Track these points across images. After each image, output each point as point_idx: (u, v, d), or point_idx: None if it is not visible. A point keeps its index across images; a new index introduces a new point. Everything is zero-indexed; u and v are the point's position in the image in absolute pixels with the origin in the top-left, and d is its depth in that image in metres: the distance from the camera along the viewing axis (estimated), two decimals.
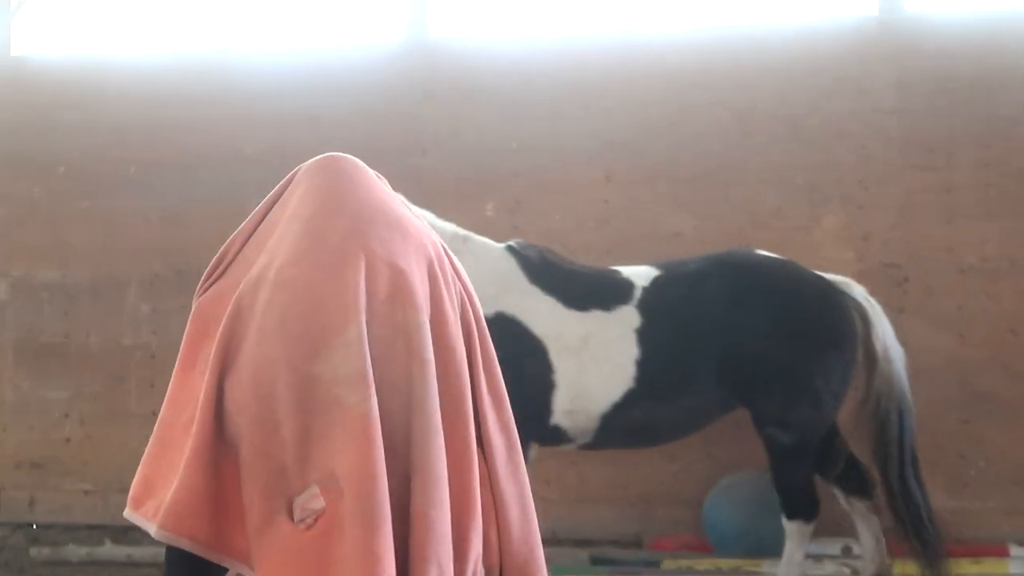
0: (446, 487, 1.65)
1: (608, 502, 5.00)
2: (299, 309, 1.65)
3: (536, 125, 5.54)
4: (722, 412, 4.34)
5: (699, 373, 4.11)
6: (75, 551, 5.43)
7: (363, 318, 1.63)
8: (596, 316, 4.14)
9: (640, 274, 4.29)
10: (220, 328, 1.70)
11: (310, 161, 1.92)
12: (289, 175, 1.91)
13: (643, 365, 4.08)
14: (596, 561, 5.11)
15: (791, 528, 4.15)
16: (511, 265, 4.23)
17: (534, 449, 4.15)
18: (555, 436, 4.19)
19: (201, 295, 1.88)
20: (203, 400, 1.67)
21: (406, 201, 1.91)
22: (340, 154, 1.93)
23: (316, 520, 1.59)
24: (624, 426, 4.16)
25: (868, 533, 4.22)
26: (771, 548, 4.57)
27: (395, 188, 5.09)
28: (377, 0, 6.12)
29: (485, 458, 1.78)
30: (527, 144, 5.53)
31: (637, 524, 4.37)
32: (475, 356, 1.81)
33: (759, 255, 4.38)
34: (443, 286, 1.78)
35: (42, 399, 5.94)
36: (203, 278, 1.86)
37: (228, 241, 1.89)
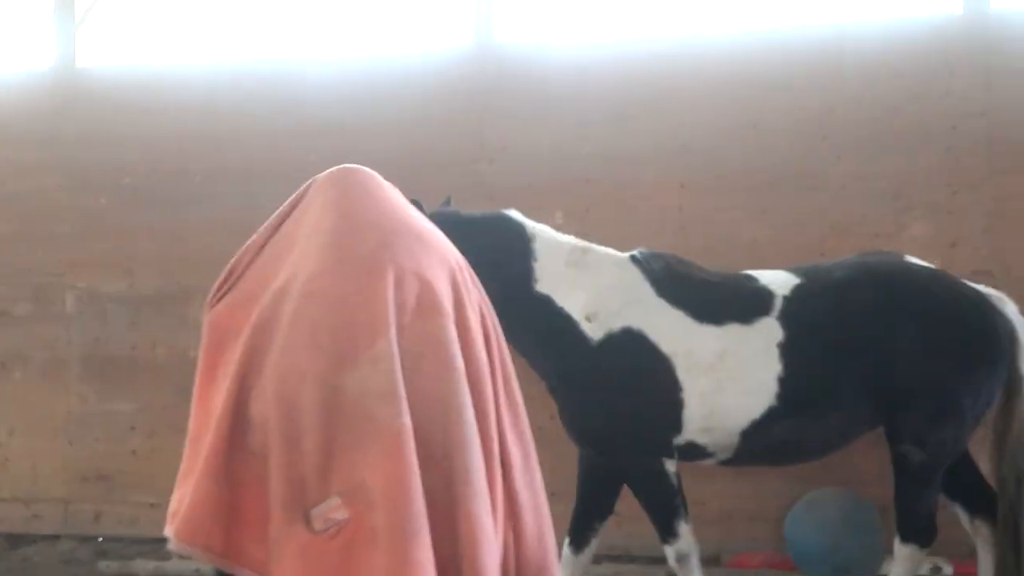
0: (487, 492, 1.67)
1: None
2: (329, 321, 1.66)
3: (606, 130, 5.42)
4: (866, 429, 4.08)
5: (845, 389, 3.86)
6: (143, 565, 5.39)
7: (393, 332, 1.64)
8: (733, 330, 3.90)
9: (779, 282, 4.00)
10: (242, 340, 1.72)
11: (323, 174, 1.95)
12: (302, 188, 1.94)
13: (786, 382, 3.83)
14: None
15: (904, 552, 3.87)
16: (635, 277, 4.01)
17: (670, 463, 3.95)
18: (692, 452, 3.98)
19: (212, 307, 1.90)
20: (221, 410, 1.69)
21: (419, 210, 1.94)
22: (354, 166, 1.96)
23: (340, 530, 1.60)
24: (766, 444, 3.92)
25: (990, 556, 3.97)
26: (856, 568, 4.41)
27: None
28: (441, 6, 6.03)
29: (503, 466, 1.80)
30: (597, 150, 5.41)
31: (716, 541, 4.22)
32: (494, 364, 1.84)
33: (909, 263, 4.07)
34: (465, 295, 1.80)
35: (108, 412, 5.92)
36: (213, 291, 1.87)
37: (238, 254, 1.90)
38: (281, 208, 1.93)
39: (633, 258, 4.08)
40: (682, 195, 5.30)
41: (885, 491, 4.57)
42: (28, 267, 5.99)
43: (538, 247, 4.01)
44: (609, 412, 3.92)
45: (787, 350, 3.84)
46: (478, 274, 4.01)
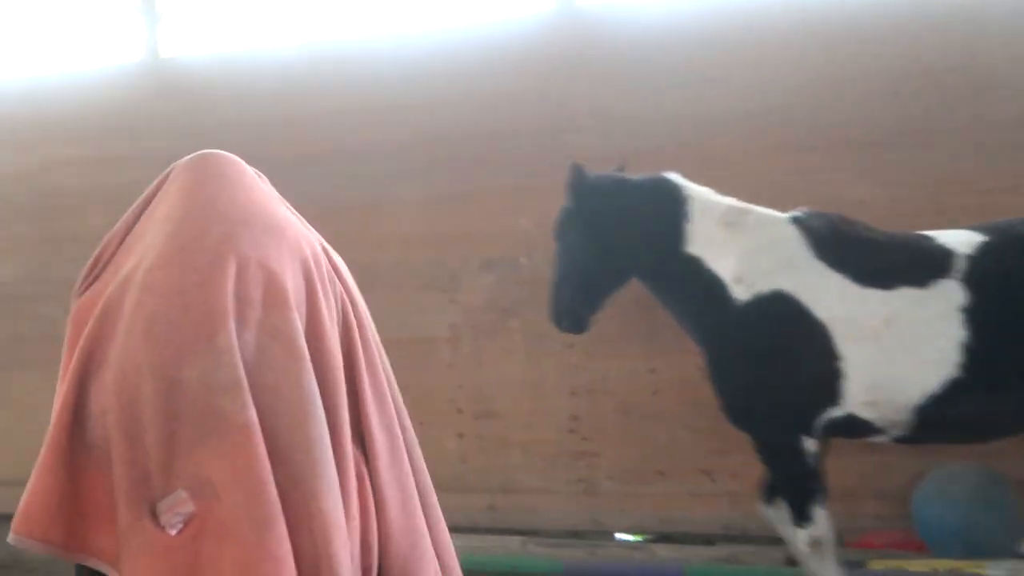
0: (338, 486, 1.62)
1: None
2: (166, 313, 1.60)
3: (695, 93, 5.17)
4: None
5: None
6: None
7: (232, 324, 1.59)
8: (905, 294, 3.56)
9: (961, 240, 3.63)
10: (86, 329, 1.65)
11: (184, 159, 1.84)
12: (163, 174, 1.84)
13: (972, 350, 3.46)
14: (792, 561, 4.77)
15: None
16: (792, 237, 3.79)
17: (810, 442, 3.73)
18: (854, 427, 3.71)
19: (78, 297, 1.78)
20: (62, 401, 1.62)
21: (284, 200, 1.89)
22: (215, 152, 1.88)
23: (186, 524, 1.56)
24: (947, 420, 3.57)
25: None
26: (991, 547, 4.15)
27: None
28: None
29: (367, 459, 1.74)
30: (687, 113, 5.17)
31: (838, 520, 4.00)
32: (356, 355, 1.78)
33: None
34: (319, 288, 1.73)
35: None
36: (79, 279, 1.77)
37: (104, 241, 1.81)
38: (144, 194, 1.84)
39: (794, 218, 3.86)
40: (780, 157, 5.01)
41: (1021, 464, 4.32)
42: None
43: (693, 208, 3.94)
44: (749, 379, 3.78)
45: (973, 315, 3.47)
46: (631, 236, 4.00)
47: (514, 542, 5.24)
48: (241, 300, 1.63)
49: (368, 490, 1.74)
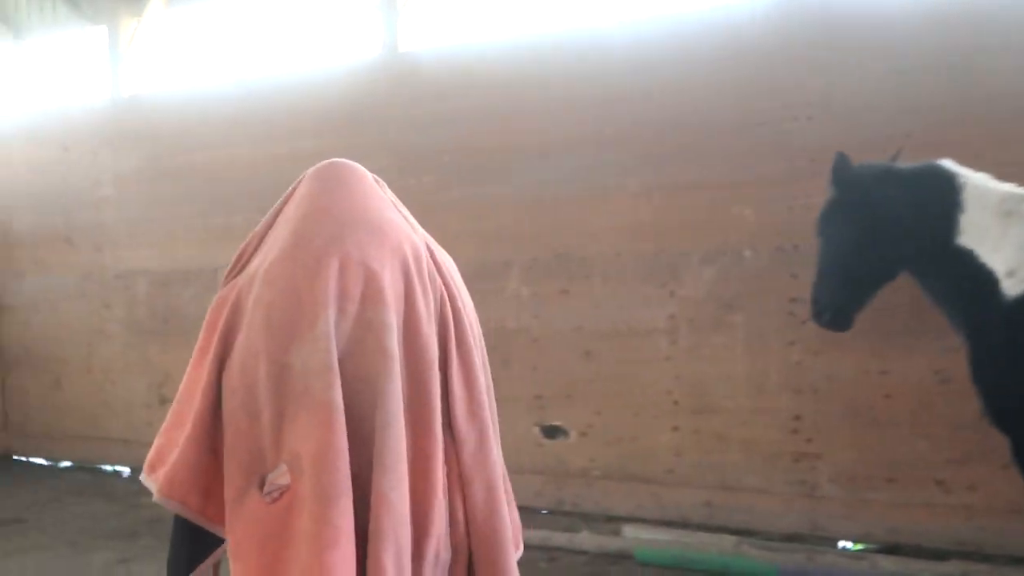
0: (404, 470, 1.78)
1: None
2: (280, 305, 1.83)
3: (932, 79, 4.77)
4: None
5: None
6: None
7: (331, 314, 1.79)
8: None
9: None
10: (222, 318, 1.90)
11: (313, 167, 2.06)
12: (298, 179, 2.05)
13: None
14: None
15: None
16: None
17: None
18: None
19: (222, 288, 1.99)
20: (204, 384, 1.87)
21: (397, 203, 2.08)
22: (339, 160, 2.08)
23: (281, 495, 1.79)
24: None
25: None
26: None
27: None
28: None
29: (456, 448, 1.89)
30: (920, 102, 4.78)
31: None
32: (449, 352, 1.91)
33: None
34: (417, 285, 1.88)
35: None
36: (226, 272, 2.00)
37: (247, 238, 2.03)
38: (283, 196, 2.08)
39: None
40: None
41: None
42: None
43: (967, 197, 3.70)
44: (1011, 377, 3.55)
45: None
46: (900, 228, 3.80)
47: (728, 541, 5.10)
48: (342, 294, 1.83)
49: (455, 473, 1.91)
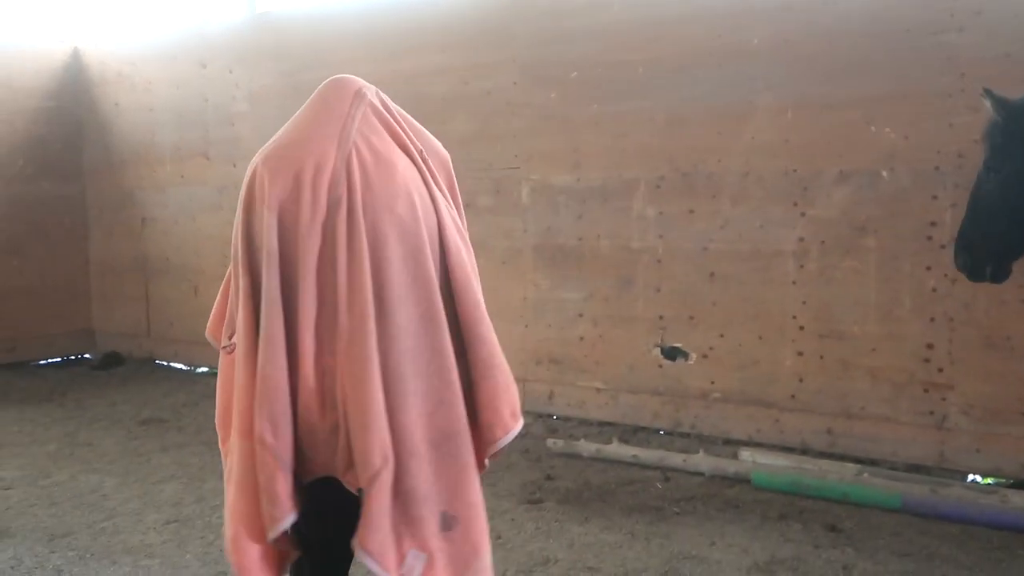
0: (276, 349, 2.39)
1: None
2: (248, 188, 2.45)
3: None
4: None
5: None
6: (586, 446, 5.65)
7: (271, 204, 2.37)
8: None
9: None
10: (243, 192, 2.48)
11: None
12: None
13: None
14: None
15: None
16: None
17: None
18: None
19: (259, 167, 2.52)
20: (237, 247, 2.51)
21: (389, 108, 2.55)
22: (334, 79, 2.59)
23: (233, 350, 2.50)
24: None
25: None
26: None
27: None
28: None
29: (334, 339, 2.41)
30: None
31: None
32: (338, 248, 2.40)
33: None
34: (306, 191, 2.38)
35: (558, 299, 6.23)
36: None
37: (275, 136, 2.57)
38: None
39: None
40: None
41: None
42: (489, 161, 6.40)
43: None
44: None
45: None
46: None
47: (850, 470, 5.00)
48: (257, 196, 2.42)
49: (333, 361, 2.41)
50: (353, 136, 2.44)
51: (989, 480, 4.90)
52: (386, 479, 2.35)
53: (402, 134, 2.55)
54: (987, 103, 3.65)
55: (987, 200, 3.73)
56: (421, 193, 2.46)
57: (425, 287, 2.43)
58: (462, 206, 2.66)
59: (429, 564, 2.42)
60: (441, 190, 2.56)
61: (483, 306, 2.52)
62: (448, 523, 2.44)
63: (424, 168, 2.53)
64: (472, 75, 6.44)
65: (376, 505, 2.35)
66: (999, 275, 3.84)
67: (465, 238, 2.60)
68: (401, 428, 2.38)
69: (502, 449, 2.54)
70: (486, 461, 2.59)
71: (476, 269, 2.60)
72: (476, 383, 2.50)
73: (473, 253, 2.60)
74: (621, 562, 4.23)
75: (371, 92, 2.55)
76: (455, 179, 2.66)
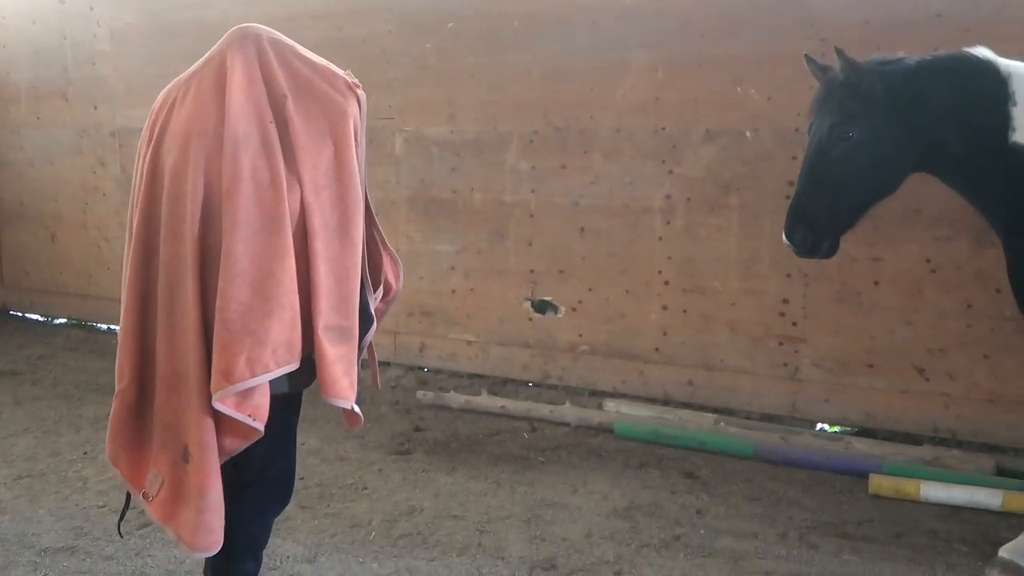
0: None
1: None
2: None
3: None
4: None
5: None
6: (455, 398, 5.70)
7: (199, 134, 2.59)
8: None
9: None
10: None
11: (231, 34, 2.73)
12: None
13: None
14: (1004, 472, 4.45)
15: None
16: None
17: None
18: None
19: None
20: None
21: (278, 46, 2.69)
22: (235, 30, 2.71)
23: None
24: None
25: None
26: None
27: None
28: None
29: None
30: None
31: None
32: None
33: None
34: (152, 118, 2.76)
35: (432, 251, 6.22)
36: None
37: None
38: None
39: None
40: None
41: None
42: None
43: (1017, 88, 3.36)
44: None
45: None
46: (939, 126, 3.47)
47: (708, 419, 5.19)
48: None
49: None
50: (183, 79, 2.73)
51: (836, 428, 5.17)
52: (128, 397, 2.71)
53: (260, 80, 2.61)
54: (839, 65, 3.59)
55: (834, 169, 3.57)
56: (216, 136, 2.55)
57: (177, 231, 2.59)
58: (352, 147, 2.65)
59: (163, 487, 2.65)
60: (289, 135, 2.57)
61: (241, 265, 2.49)
62: (186, 456, 2.60)
63: (265, 114, 2.58)
64: (347, 21, 6.30)
65: (115, 417, 2.75)
66: (834, 249, 3.73)
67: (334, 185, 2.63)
68: (152, 359, 2.67)
69: (246, 404, 2.55)
70: (223, 407, 2.54)
71: (331, 219, 2.62)
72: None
73: (338, 202, 2.63)
74: (485, 510, 4.30)
75: (249, 38, 2.67)
76: (351, 122, 2.65)
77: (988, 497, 4.19)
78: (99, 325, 8.00)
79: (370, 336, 2.84)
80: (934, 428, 4.80)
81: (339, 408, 2.67)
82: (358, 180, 2.65)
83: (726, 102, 5.19)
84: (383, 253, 2.95)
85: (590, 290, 5.70)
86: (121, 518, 3.01)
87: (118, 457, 2.77)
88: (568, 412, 5.40)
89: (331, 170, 2.60)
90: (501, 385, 6.02)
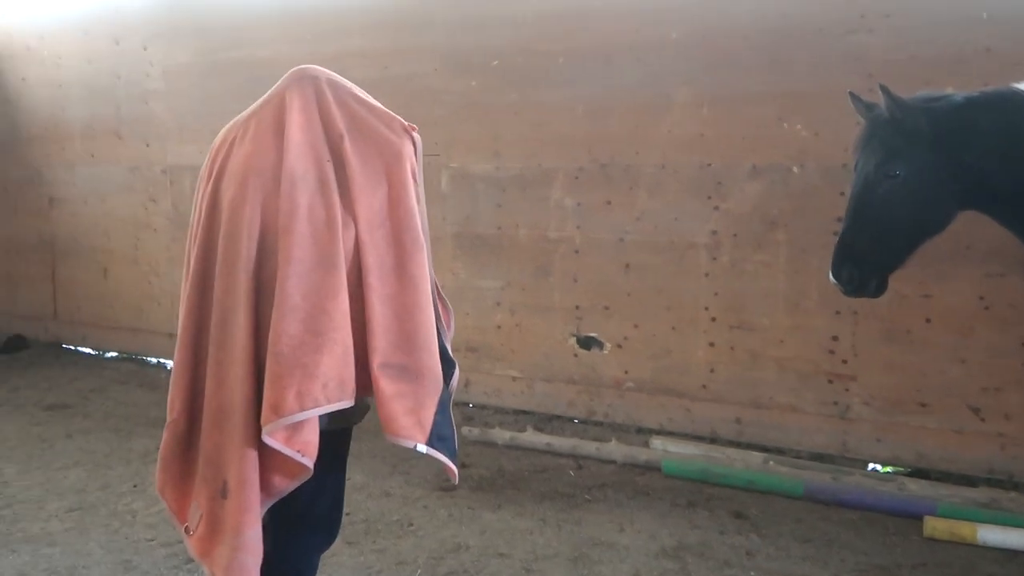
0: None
1: None
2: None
3: None
4: None
5: None
6: (500, 434, 5.69)
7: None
8: None
9: None
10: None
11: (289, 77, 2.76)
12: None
13: None
14: None
15: None
16: None
17: None
18: None
19: None
20: None
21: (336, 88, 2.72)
22: (294, 73, 2.74)
23: None
24: None
25: None
26: None
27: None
28: None
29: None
30: (999, 12, 4.61)
31: None
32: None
33: None
34: (208, 164, 2.80)
35: (477, 287, 6.24)
36: None
37: None
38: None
39: None
40: None
41: None
42: None
43: None
44: None
45: None
46: (987, 162, 3.45)
47: (756, 458, 5.12)
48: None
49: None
50: (243, 119, 2.76)
51: (888, 468, 5.08)
52: (178, 428, 2.76)
53: (317, 120, 2.66)
54: (883, 101, 3.55)
55: (881, 207, 3.53)
56: (274, 175, 2.60)
57: (232, 267, 2.62)
58: (409, 187, 2.67)
59: (202, 521, 2.68)
60: (346, 174, 2.61)
61: (294, 300, 2.51)
62: (224, 491, 2.61)
63: (322, 153, 2.62)
64: (393, 60, 6.39)
65: (165, 449, 2.81)
66: (882, 288, 3.69)
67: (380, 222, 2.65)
68: (200, 393, 2.70)
69: (295, 439, 2.54)
70: (273, 441, 2.54)
71: (385, 255, 2.64)
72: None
73: (388, 237, 2.64)
74: (532, 548, 4.27)
75: (307, 79, 2.72)
76: (407, 163, 2.67)
77: None
78: (149, 359, 8.11)
79: (455, 381, 2.81)
80: (990, 469, 4.69)
81: (395, 445, 2.63)
82: (417, 220, 2.65)
83: (772, 137, 5.18)
84: (436, 299, 2.93)
85: (636, 326, 5.67)
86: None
87: (166, 489, 2.82)
88: (614, 449, 5.36)
89: (385, 209, 2.63)
90: (546, 421, 6.00)
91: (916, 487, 4.67)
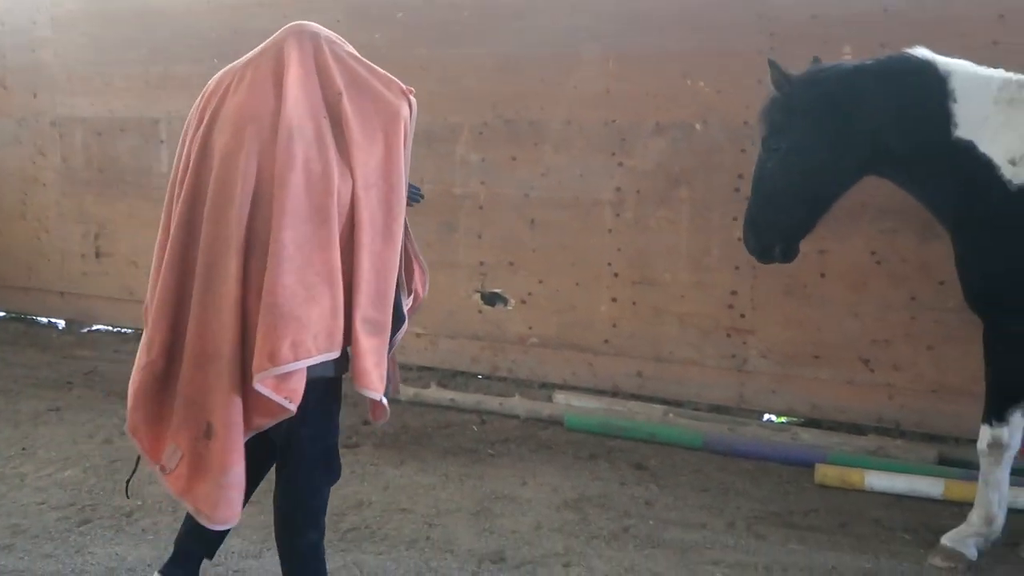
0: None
1: (970, 396, 4.33)
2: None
3: None
4: None
5: None
6: (404, 390, 5.64)
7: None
8: None
9: None
10: None
11: (286, 32, 2.77)
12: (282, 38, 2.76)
13: None
14: (946, 461, 4.52)
15: None
16: None
17: None
18: None
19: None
20: None
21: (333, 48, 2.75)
22: (291, 27, 2.76)
23: None
24: None
25: None
26: None
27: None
28: None
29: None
30: None
31: None
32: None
33: None
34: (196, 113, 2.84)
35: None
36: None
37: None
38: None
39: None
40: (1002, 27, 4.48)
41: None
42: None
43: (957, 86, 3.45)
44: (1009, 265, 3.44)
45: None
46: (881, 127, 3.54)
47: (657, 411, 5.21)
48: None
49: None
50: (238, 67, 2.77)
51: (782, 419, 5.22)
52: (156, 369, 2.77)
53: (315, 76, 2.70)
54: (771, 75, 3.67)
55: (769, 181, 3.73)
56: (272, 125, 2.62)
57: (222, 213, 2.63)
58: (402, 149, 2.79)
59: (182, 461, 2.73)
60: (343, 131, 2.66)
61: (288, 251, 2.57)
62: (208, 433, 2.67)
63: (319, 109, 2.66)
64: (293, 10, 6.14)
65: (140, 389, 2.81)
66: (789, 255, 3.88)
67: (384, 186, 2.76)
68: (183, 337, 2.72)
69: (283, 386, 2.61)
70: (264, 388, 2.60)
71: (378, 219, 2.72)
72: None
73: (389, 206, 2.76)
74: (434, 503, 4.27)
75: (306, 34, 2.75)
76: (402, 124, 2.79)
77: (930, 486, 4.25)
78: (39, 318, 7.81)
79: (401, 335, 2.92)
80: (879, 418, 4.86)
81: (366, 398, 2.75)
82: (404, 181, 2.77)
83: (676, 95, 5.21)
84: (414, 262, 3.05)
85: (540, 282, 5.68)
86: (128, 481, 3.26)
87: (138, 429, 2.83)
88: (518, 404, 5.39)
89: (380, 168, 2.73)
90: (450, 378, 5.99)
91: (809, 436, 4.82)
